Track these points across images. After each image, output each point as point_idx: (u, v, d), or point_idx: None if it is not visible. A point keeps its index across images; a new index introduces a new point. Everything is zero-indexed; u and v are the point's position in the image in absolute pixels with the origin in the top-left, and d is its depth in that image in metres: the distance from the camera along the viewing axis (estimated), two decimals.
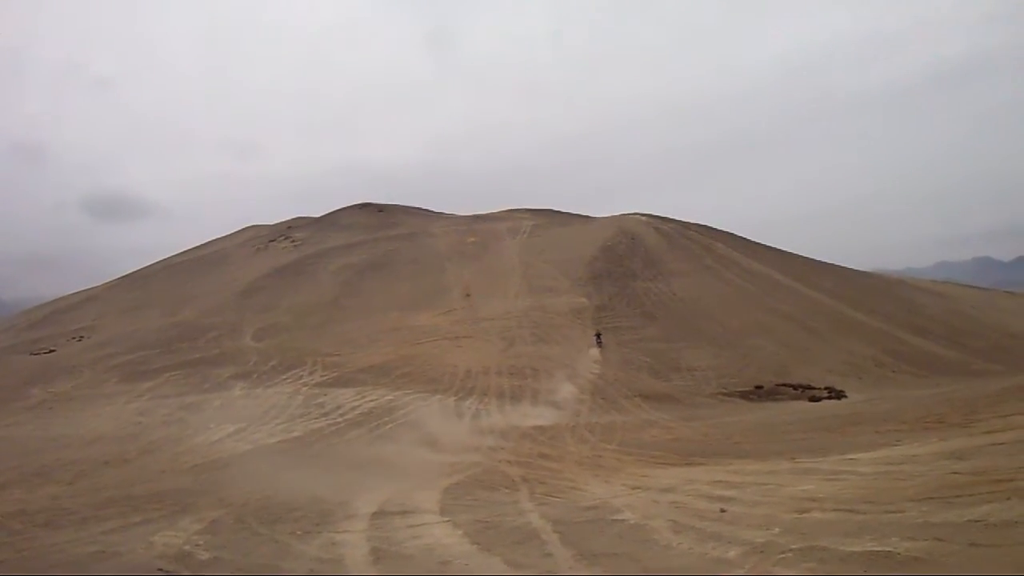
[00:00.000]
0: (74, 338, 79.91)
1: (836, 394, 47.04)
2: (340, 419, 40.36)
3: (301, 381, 50.60)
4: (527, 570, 13.49)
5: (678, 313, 65.40)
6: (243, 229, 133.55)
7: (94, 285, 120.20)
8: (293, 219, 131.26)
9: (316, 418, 40.94)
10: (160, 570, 15.37)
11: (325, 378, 50.70)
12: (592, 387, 46.83)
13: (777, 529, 13.69)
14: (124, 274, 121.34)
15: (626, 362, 53.10)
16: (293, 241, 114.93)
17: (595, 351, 52.47)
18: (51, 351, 74.31)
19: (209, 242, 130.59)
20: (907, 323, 69.42)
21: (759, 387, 49.02)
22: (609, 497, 19.38)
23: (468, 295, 73.95)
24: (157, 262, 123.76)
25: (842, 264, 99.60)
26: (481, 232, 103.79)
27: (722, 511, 15.74)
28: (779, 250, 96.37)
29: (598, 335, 53.35)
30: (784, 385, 49.31)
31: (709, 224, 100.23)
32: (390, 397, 44.49)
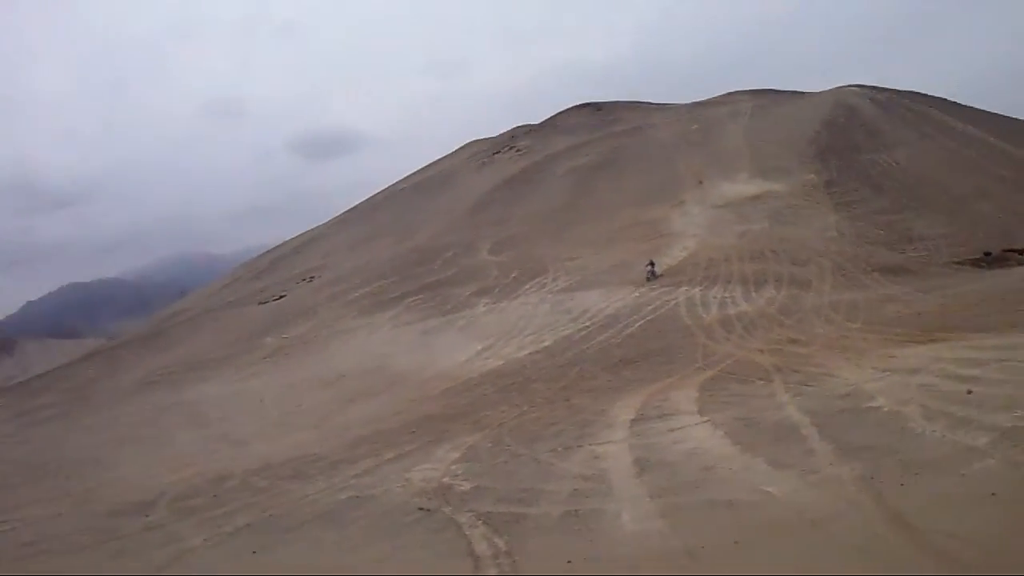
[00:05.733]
0: (304, 280, 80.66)
1: None
2: (589, 323, 40.22)
3: (545, 289, 50.78)
4: (790, 469, 13.58)
5: (903, 182, 64.00)
6: (465, 145, 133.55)
7: (316, 225, 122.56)
8: (515, 128, 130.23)
9: (564, 325, 40.99)
10: (420, 508, 15.17)
11: (569, 283, 50.73)
12: (832, 265, 45.89)
13: (1020, 411, 14.03)
14: (347, 209, 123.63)
15: (860, 236, 52.13)
16: (518, 150, 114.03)
17: (651, 277, 48.18)
18: (281, 297, 74.97)
19: (431, 164, 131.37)
20: None
21: (987, 254, 47.45)
22: (861, 382, 19.02)
23: (701, 182, 72.80)
24: (380, 192, 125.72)
25: None
26: (703, 119, 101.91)
27: (968, 392, 15.91)
28: (990, 112, 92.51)
29: (651, 264, 49.32)
30: (1010, 251, 47.69)
31: (920, 90, 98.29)
32: (636, 295, 44.32)
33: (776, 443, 15.23)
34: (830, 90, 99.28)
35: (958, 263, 45.97)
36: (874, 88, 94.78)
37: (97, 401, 48.26)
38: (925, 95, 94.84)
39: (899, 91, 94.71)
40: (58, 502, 23.93)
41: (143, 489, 22.84)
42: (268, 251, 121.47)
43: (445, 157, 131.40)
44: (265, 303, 74.14)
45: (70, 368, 72.40)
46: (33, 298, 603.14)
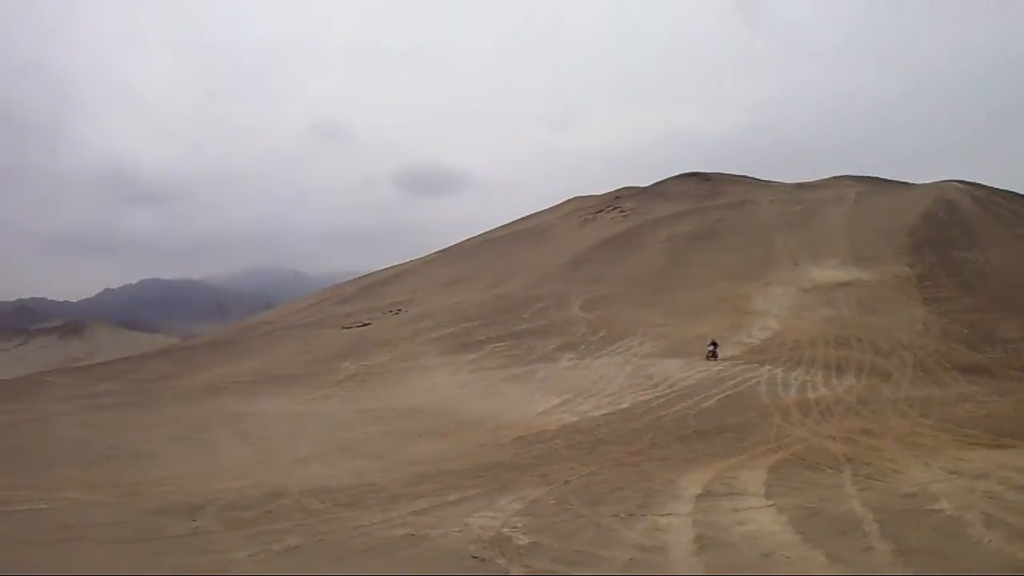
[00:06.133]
0: (390, 311, 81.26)
1: None
2: (668, 391, 40.29)
3: (630, 352, 51.02)
4: (847, 566, 13.15)
5: (992, 283, 63.70)
6: (569, 200, 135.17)
7: (407, 259, 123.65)
8: (620, 189, 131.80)
9: (644, 390, 41.05)
10: (475, 557, 14.68)
11: (654, 349, 51.11)
12: (913, 359, 45.89)
13: None
14: (442, 248, 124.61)
15: (945, 333, 51.95)
16: (621, 211, 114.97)
17: (711, 357, 48.12)
18: (365, 324, 75.63)
19: (532, 215, 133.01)
20: None
21: None
22: (927, 482, 18.99)
23: (797, 264, 73.69)
24: (477, 235, 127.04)
25: None
26: (806, 201, 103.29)
27: None
28: None
29: (714, 344, 49.25)
30: None
31: (1016, 190, 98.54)
32: (718, 368, 44.51)
33: (837, 536, 14.89)
34: (933, 183, 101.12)
35: None
36: (974, 185, 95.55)
37: (162, 397, 48.80)
38: (1020, 195, 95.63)
39: (998, 190, 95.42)
40: (104, 490, 23.84)
41: (194, 492, 22.74)
42: (359, 278, 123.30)
43: (548, 209, 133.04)
44: (349, 328, 74.82)
45: (140, 360, 73.74)
46: (112, 286, 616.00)
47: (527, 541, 15.62)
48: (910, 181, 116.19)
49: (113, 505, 21.33)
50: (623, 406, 37.57)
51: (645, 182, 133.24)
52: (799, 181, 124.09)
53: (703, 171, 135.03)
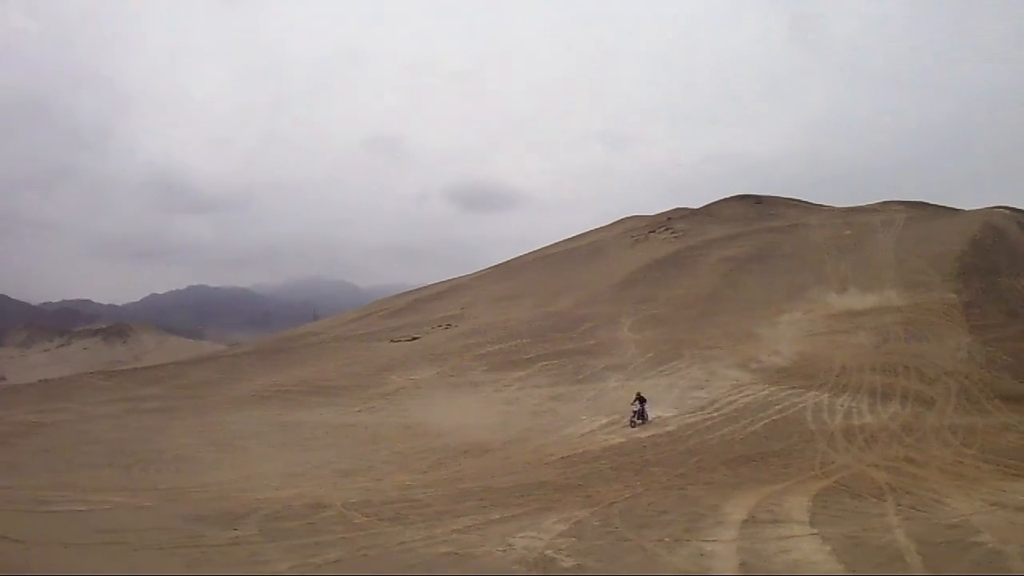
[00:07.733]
0: (440, 326, 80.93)
1: None
2: (715, 414, 40.20)
3: (678, 374, 50.66)
4: None
5: None
6: (620, 220, 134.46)
7: (460, 275, 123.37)
8: (672, 210, 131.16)
9: (691, 412, 40.99)
10: None
11: (702, 371, 50.59)
12: (958, 387, 45.27)
13: None
14: (494, 264, 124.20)
15: (989, 361, 51.00)
16: (673, 232, 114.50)
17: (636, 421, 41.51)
18: (414, 339, 75.22)
19: (584, 233, 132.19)
20: None
21: None
22: (969, 514, 18.94)
23: (846, 288, 73.10)
24: (529, 252, 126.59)
25: None
26: (856, 224, 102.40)
27: None
28: None
29: (640, 401, 48.05)
30: None
31: None
32: (765, 392, 44.21)
33: (880, 567, 14.82)
34: (980, 210, 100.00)
35: None
36: (1021, 212, 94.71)
37: (206, 404, 48.99)
38: None
39: None
40: (144, 494, 23.96)
41: (235, 500, 22.84)
42: (409, 291, 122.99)
43: (600, 228, 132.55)
44: (397, 342, 74.56)
45: (185, 366, 73.89)
46: (158, 292, 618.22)
47: (571, 563, 15.49)
48: (957, 207, 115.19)
49: (152, 510, 21.35)
50: (669, 428, 37.40)
51: (697, 202, 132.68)
52: (849, 205, 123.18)
53: (753, 192, 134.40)
